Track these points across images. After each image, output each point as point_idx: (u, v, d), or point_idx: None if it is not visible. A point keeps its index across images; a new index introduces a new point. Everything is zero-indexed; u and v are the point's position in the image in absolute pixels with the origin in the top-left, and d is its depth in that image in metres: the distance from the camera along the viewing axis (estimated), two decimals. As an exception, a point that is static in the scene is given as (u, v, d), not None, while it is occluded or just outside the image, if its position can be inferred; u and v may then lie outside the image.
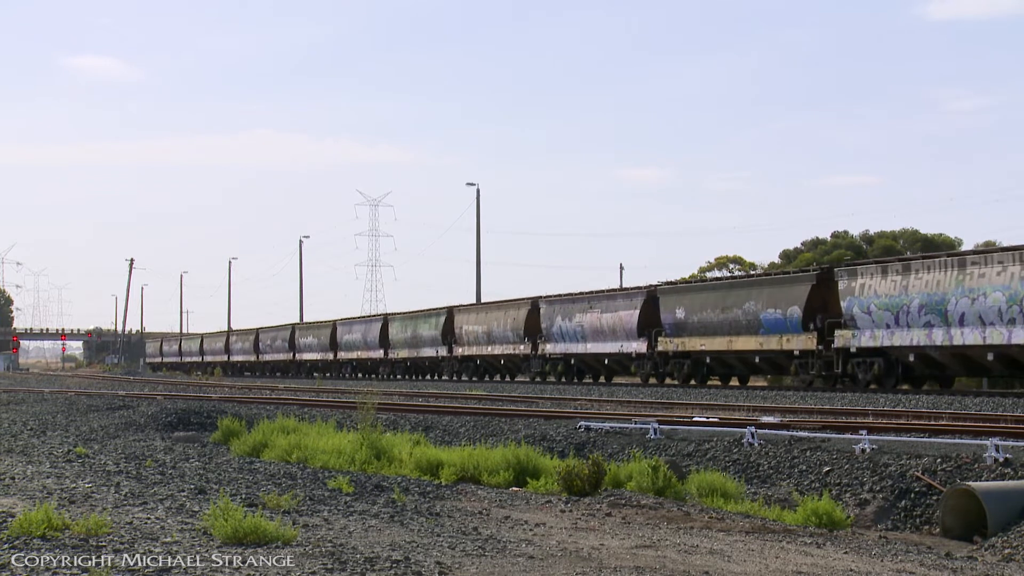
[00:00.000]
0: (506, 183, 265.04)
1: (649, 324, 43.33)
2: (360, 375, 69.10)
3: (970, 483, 11.06)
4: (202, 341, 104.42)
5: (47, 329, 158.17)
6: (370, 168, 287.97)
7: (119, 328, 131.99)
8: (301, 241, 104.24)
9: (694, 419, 18.61)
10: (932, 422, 17.74)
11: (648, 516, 9.92)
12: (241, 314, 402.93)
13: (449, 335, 58.46)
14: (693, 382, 40.81)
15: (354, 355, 69.96)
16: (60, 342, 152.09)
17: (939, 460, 12.67)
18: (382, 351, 65.82)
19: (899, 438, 14.28)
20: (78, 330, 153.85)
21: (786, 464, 14.01)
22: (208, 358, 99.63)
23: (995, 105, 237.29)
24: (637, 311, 43.91)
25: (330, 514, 9.03)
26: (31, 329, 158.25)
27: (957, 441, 13.79)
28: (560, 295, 50.45)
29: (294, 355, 78.86)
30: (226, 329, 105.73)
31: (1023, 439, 14.00)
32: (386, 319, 67.62)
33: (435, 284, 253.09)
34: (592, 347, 46.74)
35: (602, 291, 47.99)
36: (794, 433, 15.32)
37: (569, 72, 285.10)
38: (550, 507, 10.36)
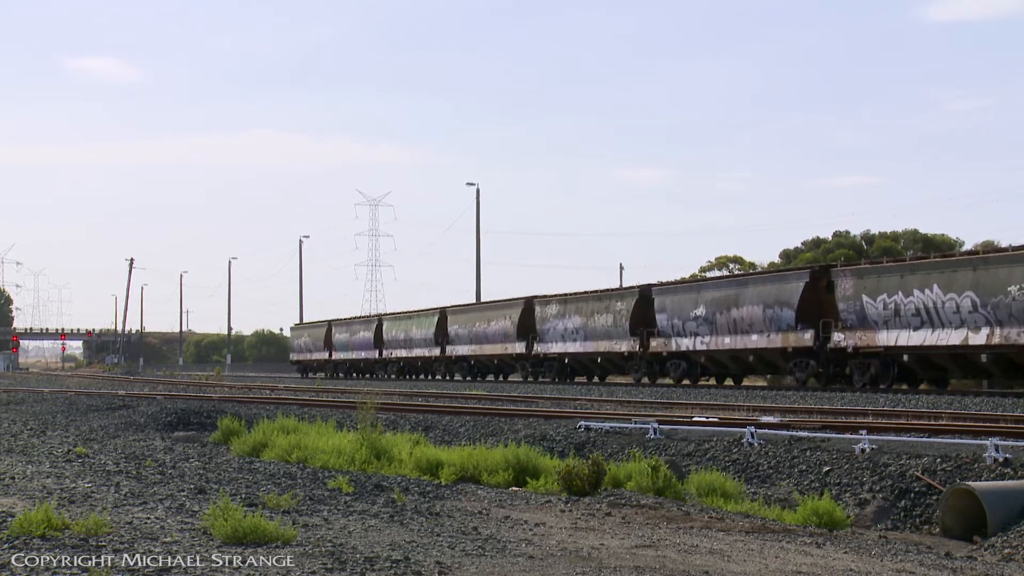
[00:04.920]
0: (506, 183, 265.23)
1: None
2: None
3: (970, 483, 11.06)
4: (445, 318, 58.60)
5: (47, 329, 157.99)
6: (370, 168, 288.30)
7: (119, 328, 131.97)
8: (301, 241, 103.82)
9: (694, 419, 18.61)
10: (932, 422, 17.75)
11: (648, 516, 9.91)
12: (241, 314, 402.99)
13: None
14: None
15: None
16: (60, 342, 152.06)
17: (939, 460, 12.67)
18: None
19: (899, 438, 14.29)
20: (78, 330, 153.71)
21: (786, 464, 14.00)
22: (461, 350, 56.62)
23: (995, 105, 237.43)
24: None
25: (330, 514, 9.02)
26: (31, 329, 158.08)
27: (957, 441, 13.79)
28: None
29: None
30: (475, 302, 63.07)
31: (1023, 439, 14.00)
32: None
33: (435, 284, 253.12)
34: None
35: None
36: (794, 433, 15.32)
37: (569, 72, 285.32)
38: (550, 507, 10.35)
